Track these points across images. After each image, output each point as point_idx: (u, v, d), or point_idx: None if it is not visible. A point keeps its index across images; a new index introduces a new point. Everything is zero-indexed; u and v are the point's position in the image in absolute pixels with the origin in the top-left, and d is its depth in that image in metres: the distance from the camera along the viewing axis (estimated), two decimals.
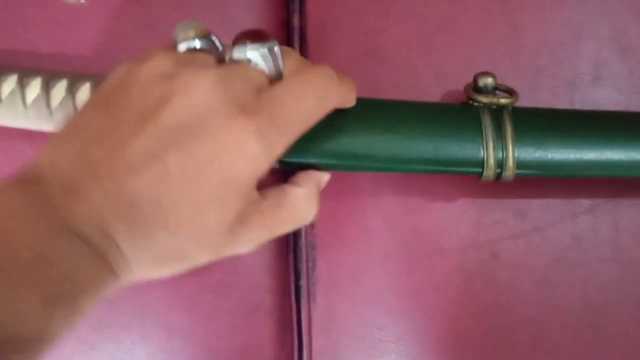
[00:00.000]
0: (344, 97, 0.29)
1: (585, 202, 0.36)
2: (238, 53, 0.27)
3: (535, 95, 0.36)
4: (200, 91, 0.24)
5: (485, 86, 0.33)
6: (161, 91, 0.24)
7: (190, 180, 0.23)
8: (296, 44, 0.38)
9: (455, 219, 0.35)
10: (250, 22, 0.37)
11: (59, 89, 0.31)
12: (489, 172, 0.31)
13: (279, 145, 0.25)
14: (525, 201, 0.36)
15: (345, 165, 0.31)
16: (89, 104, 0.26)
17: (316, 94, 0.26)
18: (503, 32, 0.37)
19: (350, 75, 0.37)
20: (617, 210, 0.36)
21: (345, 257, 0.35)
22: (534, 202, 0.36)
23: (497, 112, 0.32)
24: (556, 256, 0.36)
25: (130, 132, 0.23)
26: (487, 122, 0.31)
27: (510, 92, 0.33)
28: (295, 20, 0.39)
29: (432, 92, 0.37)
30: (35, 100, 0.31)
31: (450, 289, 0.35)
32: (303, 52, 0.38)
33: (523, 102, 0.35)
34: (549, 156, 0.32)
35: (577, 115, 0.33)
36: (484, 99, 0.32)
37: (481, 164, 0.31)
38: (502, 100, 0.32)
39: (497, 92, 0.33)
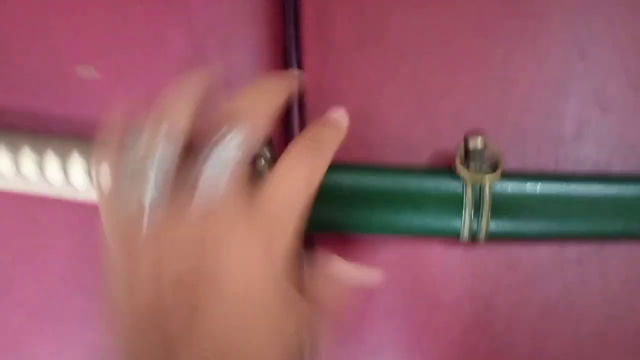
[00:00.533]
0: (329, 152, 0.28)
1: (573, 252, 0.38)
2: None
3: (521, 152, 0.39)
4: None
5: (475, 148, 0.35)
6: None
7: (228, 318, 0.24)
8: (295, 105, 0.40)
9: (451, 273, 0.37)
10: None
11: (76, 163, 0.34)
12: (463, 239, 0.35)
13: (286, 239, 0.25)
14: (517, 253, 0.38)
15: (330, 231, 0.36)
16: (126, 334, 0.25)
17: (305, 174, 0.26)
18: (491, 92, 0.39)
19: (347, 135, 0.40)
20: (605, 260, 0.38)
21: (347, 314, 0.36)
22: (525, 254, 0.38)
23: (480, 187, 0.35)
24: (548, 306, 0.37)
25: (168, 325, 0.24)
26: (468, 199, 0.35)
27: (496, 163, 0.35)
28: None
29: (424, 150, 0.39)
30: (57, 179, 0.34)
31: (448, 342, 0.36)
32: (302, 113, 0.40)
33: (510, 158, 0.38)
34: (523, 232, 0.36)
35: (556, 200, 0.36)
36: (469, 175, 0.35)
37: (457, 234, 0.35)
38: (486, 179, 0.35)
39: (486, 152, 0.36)
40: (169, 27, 0.39)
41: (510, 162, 0.38)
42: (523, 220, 0.36)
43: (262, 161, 0.34)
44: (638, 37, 0.40)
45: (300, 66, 0.41)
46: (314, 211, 0.33)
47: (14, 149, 0.35)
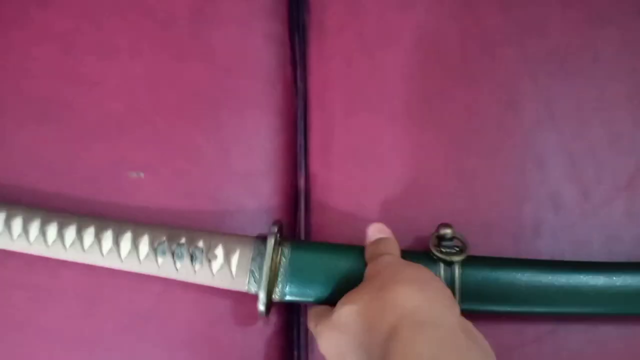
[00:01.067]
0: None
1: (530, 332, 0.45)
2: None
3: (487, 245, 0.46)
4: None
5: (445, 235, 0.43)
6: None
7: None
8: (302, 203, 0.49)
9: None
10: (268, 188, 0.49)
11: (126, 241, 0.43)
12: None
13: None
14: (483, 331, 0.44)
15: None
16: None
17: None
18: (461, 196, 0.48)
19: (343, 226, 0.48)
20: (559, 339, 0.45)
21: None
22: (489, 332, 0.44)
23: (451, 265, 0.42)
24: None
25: None
26: (441, 274, 0.42)
27: (463, 246, 0.43)
28: (302, 184, 0.50)
29: (406, 238, 0.46)
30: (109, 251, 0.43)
31: None
32: (307, 210, 0.49)
33: (477, 250, 0.45)
34: (489, 308, 0.42)
35: (516, 275, 0.42)
36: (441, 255, 0.42)
37: None
38: (455, 258, 0.42)
39: (455, 239, 0.43)
40: (203, 140, 0.49)
41: (477, 254, 0.45)
42: (488, 299, 0.42)
43: (273, 241, 0.42)
44: (588, 149, 0.48)
45: (307, 169, 0.50)
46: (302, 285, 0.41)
47: (80, 231, 0.44)
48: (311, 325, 0.40)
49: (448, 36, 0.51)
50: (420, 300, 0.34)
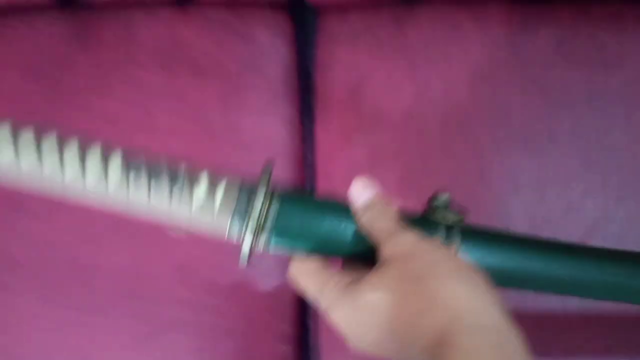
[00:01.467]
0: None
1: None
2: None
3: None
4: None
5: (442, 202, 0.39)
6: None
7: None
8: None
9: None
10: None
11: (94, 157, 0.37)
12: None
13: None
14: None
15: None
16: None
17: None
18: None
19: None
20: None
21: None
22: None
23: (450, 228, 0.38)
24: None
25: None
26: (440, 237, 0.38)
27: (461, 212, 0.39)
28: None
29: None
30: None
31: None
32: None
33: None
34: (492, 267, 0.37)
35: (518, 237, 0.40)
36: (437, 217, 0.38)
37: None
38: (451, 219, 0.38)
39: (450, 210, 0.39)
40: None
41: None
42: (494, 256, 0.39)
43: (264, 182, 0.37)
44: (545, 216, 0.59)
45: None
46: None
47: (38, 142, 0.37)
48: (304, 282, 0.37)
49: (430, 118, 0.61)
50: (471, 301, 0.32)
